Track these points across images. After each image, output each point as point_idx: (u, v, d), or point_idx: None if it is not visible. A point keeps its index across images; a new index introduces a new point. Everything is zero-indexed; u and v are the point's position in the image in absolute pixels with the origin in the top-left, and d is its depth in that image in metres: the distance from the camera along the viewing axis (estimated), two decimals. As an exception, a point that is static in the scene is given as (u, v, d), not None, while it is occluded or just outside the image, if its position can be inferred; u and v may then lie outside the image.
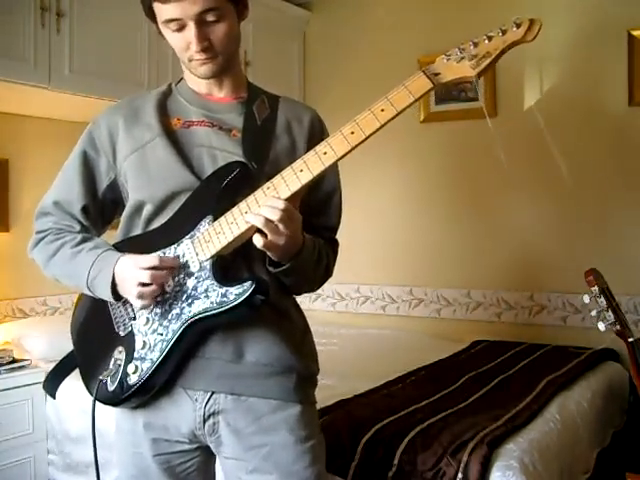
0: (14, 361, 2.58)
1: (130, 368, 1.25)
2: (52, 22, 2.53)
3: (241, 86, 1.40)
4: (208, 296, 1.20)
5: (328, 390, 2.24)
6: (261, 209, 1.16)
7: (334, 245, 1.44)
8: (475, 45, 1.13)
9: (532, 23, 1.11)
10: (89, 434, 2.52)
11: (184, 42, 1.26)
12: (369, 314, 3.74)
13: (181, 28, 1.25)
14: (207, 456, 1.37)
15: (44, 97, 2.66)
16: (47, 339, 2.67)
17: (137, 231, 1.34)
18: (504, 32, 1.12)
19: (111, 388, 1.27)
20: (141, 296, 1.21)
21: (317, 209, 1.39)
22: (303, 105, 1.49)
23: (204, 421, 1.28)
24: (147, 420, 1.31)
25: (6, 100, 2.73)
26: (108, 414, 1.38)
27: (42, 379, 1.48)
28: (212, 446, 1.32)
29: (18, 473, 2.53)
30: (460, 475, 1.71)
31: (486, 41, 1.13)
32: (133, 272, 1.22)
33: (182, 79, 1.41)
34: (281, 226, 1.14)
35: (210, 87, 1.36)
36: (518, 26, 1.11)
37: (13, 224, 2.93)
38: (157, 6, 1.24)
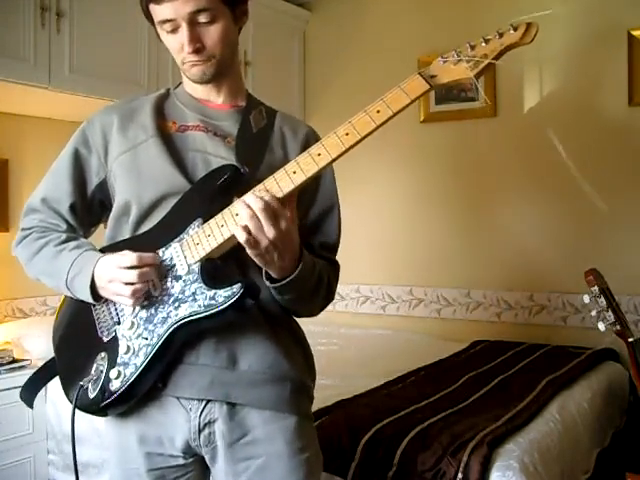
0: (14, 361, 2.58)
1: (112, 373, 1.20)
2: (52, 22, 2.53)
3: (239, 94, 1.38)
4: (196, 299, 1.17)
5: (328, 390, 2.24)
6: (246, 196, 1.14)
7: (335, 267, 1.39)
8: (472, 48, 1.12)
9: (529, 26, 1.10)
10: (89, 434, 2.53)
11: (178, 44, 1.26)
12: (369, 314, 3.74)
13: (175, 29, 1.25)
14: (202, 470, 1.33)
15: (44, 97, 2.66)
16: (47, 339, 2.63)
17: (125, 235, 1.31)
18: (501, 35, 1.11)
19: (92, 395, 1.22)
20: (134, 294, 1.18)
21: (315, 226, 1.36)
22: (300, 121, 1.48)
23: (199, 431, 1.25)
24: (141, 433, 1.28)
25: (6, 100, 2.73)
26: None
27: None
28: (207, 458, 1.29)
29: (18, 473, 2.53)
30: (460, 475, 1.71)
31: (483, 43, 1.12)
32: (115, 273, 1.19)
33: (181, 83, 1.41)
34: (264, 218, 1.10)
35: (207, 92, 1.35)
36: (515, 29, 1.11)
37: (13, 224, 2.93)
38: (152, 7, 1.25)
